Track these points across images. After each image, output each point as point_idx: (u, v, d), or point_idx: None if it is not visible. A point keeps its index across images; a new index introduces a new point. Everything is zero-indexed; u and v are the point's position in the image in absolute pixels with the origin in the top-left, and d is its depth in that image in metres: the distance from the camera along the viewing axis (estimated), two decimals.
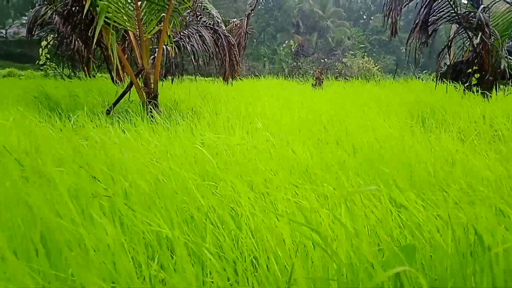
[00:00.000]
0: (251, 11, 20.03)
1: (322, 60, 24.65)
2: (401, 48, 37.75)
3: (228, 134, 2.84)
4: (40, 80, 11.29)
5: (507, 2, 7.45)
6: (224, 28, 11.75)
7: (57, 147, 2.41)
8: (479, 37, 7.15)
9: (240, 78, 18.50)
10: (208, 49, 7.63)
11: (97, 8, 4.87)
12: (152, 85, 5.70)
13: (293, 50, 29.08)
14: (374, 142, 2.55)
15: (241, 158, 2.27)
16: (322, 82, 12.47)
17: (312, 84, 13.24)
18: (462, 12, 7.34)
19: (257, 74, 24.72)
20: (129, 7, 5.40)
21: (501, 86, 8.49)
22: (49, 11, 10.87)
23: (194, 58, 8.20)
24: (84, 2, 5.36)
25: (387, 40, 39.46)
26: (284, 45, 32.08)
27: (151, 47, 7.21)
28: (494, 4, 7.59)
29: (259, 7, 21.53)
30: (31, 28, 12.11)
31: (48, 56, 14.63)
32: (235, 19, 19.56)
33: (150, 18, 5.62)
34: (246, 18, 18.99)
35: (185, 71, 15.57)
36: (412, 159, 2.24)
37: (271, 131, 2.79)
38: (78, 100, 5.78)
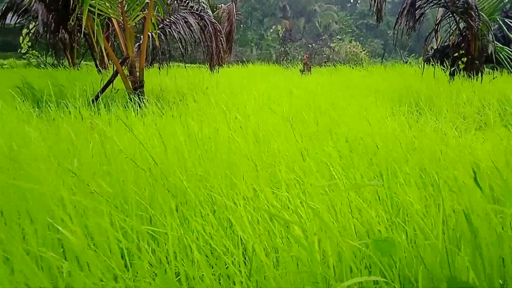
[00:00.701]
0: None
1: (310, 45, 24.53)
2: (389, 32, 37.73)
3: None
4: (22, 70, 11.03)
5: None
6: (211, 14, 11.57)
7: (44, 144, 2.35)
8: (466, 22, 7.16)
9: (228, 65, 18.33)
10: (194, 35, 7.51)
11: None
12: (137, 73, 5.61)
13: (280, 35, 28.88)
14: (367, 135, 2.51)
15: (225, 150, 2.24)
16: (310, 68, 12.43)
17: (300, 69, 13.18)
18: None
19: (244, 59, 24.54)
20: None
21: (488, 70, 8.56)
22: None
23: (181, 44, 8.08)
24: None
25: (374, 24, 39.43)
26: (271, 30, 31.84)
27: (136, 34, 7.07)
28: None
29: None
30: (4, 15, 11.62)
31: (29, 44, 14.29)
32: (223, 4, 19.26)
33: (134, 5, 5.49)
34: (233, 4, 18.73)
35: (172, 58, 15.37)
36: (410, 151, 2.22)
37: (260, 127, 2.75)
38: (63, 89, 5.65)
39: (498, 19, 7.97)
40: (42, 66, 13.66)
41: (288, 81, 8.25)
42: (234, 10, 18.41)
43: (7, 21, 12.04)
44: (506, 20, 8.17)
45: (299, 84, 7.43)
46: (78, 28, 10.39)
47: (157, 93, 6.22)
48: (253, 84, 7.00)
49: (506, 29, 8.03)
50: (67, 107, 3.40)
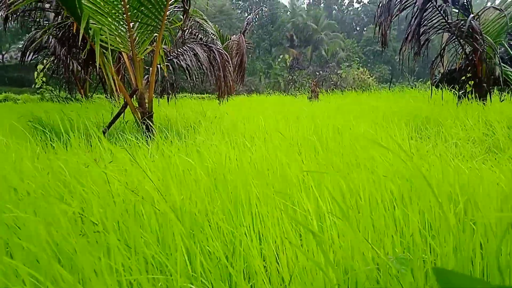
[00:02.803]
0: (247, 27, 20.18)
1: (317, 73, 24.80)
2: (396, 57, 38.05)
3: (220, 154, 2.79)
4: (35, 104, 11.30)
5: (497, 9, 7.52)
6: (220, 45, 11.83)
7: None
8: (471, 45, 7.20)
9: (237, 94, 18.55)
10: (202, 66, 7.66)
11: (89, 32, 4.89)
12: (146, 104, 5.70)
13: (288, 63, 29.30)
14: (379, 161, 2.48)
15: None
16: (318, 94, 12.52)
17: (308, 97, 13.28)
18: (453, 21, 7.39)
19: (253, 89, 24.85)
20: (122, 28, 5.43)
21: (496, 92, 8.52)
22: (44, 35, 10.99)
23: (190, 75, 8.23)
24: (76, 27, 5.40)
25: (381, 50, 39.86)
26: (279, 59, 32.35)
27: (145, 66, 7.24)
28: (483, 12, 7.66)
29: (252, 22, 21.74)
30: (25, 52, 12.27)
31: (44, 79, 14.72)
32: (234, 35, 19.68)
33: (143, 38, 5.65)
34: (242, 35, 19.12)
35: (181, 89, 15.61)
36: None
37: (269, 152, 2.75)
38: (73, 122, 5.76)
39: (503, 42, 8.00)
40: (56, 100, 14.00)
41: (297, 109, 8.30)
42: (244, 41, 18.78)
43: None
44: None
45: (307, 111, 7.46)
46: (91, 62, 10.72)
47: (165, 124, 6.29)
48: (261, 113, 7.05)
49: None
50: (68, 141, 3.44)
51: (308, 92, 15.77)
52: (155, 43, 5.97)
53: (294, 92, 21.61)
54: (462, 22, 7.17)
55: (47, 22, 11.59)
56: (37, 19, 11.55)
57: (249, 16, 21.14)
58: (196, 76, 8.59)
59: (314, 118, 5.07)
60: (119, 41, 5.50)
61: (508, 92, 7.96)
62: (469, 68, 7.66)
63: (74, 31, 6.63)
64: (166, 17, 5.49)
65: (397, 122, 4.40)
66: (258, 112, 7.01)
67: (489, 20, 7.82)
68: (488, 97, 7.18)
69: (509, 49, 7.88)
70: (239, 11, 48.77)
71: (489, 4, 8.09)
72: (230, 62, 9.85)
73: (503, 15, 7.50)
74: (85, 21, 4.50)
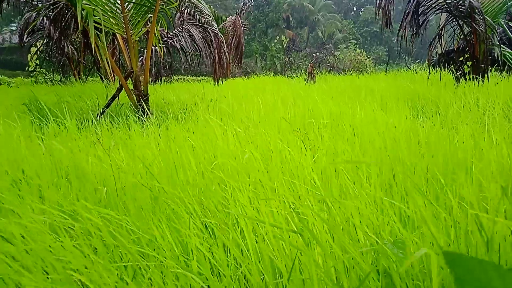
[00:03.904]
0: (243, 8, 19.90)
1: (314, 55, 24.60)
2: (393, 38, 37.73)
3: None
4: (29, 87, 11.18)
5: None
6: (216, 26, 11.69)
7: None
8: (469, 26, 7.14)
9: (233, 76, 18.42)
10: (197, 47, 7.56)
11: (82, 12, 4.78)
12: (142, 87, 5.64)
13: (284, 45, 29.03)
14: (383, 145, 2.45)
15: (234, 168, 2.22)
16: (314, 76, 12.43)
17: (304, 79, 13.19)
18: (451, 1, 7.30)
19: (249, 71, 24.66)
20: (116, 9, 5.32)
21: (494, 72, 8.49)
22: (39, 18, 10.80)
23: (185, 57, 8.13)
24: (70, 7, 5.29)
25: (378, 31, 39.52)
26: (275, 40, 32.02)
27: (140, 48, 7.13)
28: None
29: (249, 3, 21.39)
30: (22, 35, 12.07)
31: (37, 62, 14.53)
32: (230, 16, 19.43)
33: (137, 19, 5.55)
34: (238, 16, 18.88)
35: (176, 71, 15.46)
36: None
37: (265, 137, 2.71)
38: (69, 105, 5.70)
39: (502, 22, 7.93)
40: (50, 83, 13.85)
41: (293, 91, 8.24)
42: (240, 22, 18.56)
43: (15, 40, 12.39)
44: (510, 24, 8.13)
45: (304, 94, 7.41)
46: (84, 44, 10.57)
47: (161, 106, 6.24)
48: (258, 95, 6.99)
49: (510, 33, 7.98)
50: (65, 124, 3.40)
51: (305, 73, 15.66)
52: (149, 24, 5.87)
53: (291, 74, 21.46)
54: (461, 1, 7.08)
55: (40, 2, 11.36)
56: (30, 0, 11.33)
57: None
58: (191, 59, 8.50)
59: (311, 105, 5.02)
60: (113, 22, 5.40)
61: (507, 72, 7.92)
62: (467, 48, 7.60)
63: (66, 12, 6.51)
64: None
65: (395, 106, 4.39)
66: (254, 95, 6.95)
67: (487, 0, 7.74)
68: (486, 78, 7.15)
69: (507, 29, 7.82)
70: None
71: None
72: (225, 43, 9.73)
73: None
74: (80, 2, 4.40)
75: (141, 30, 5.79)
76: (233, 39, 18.32)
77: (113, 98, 5.82)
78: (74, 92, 7.59)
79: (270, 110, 4.60)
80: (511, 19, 9.76)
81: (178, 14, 10.14)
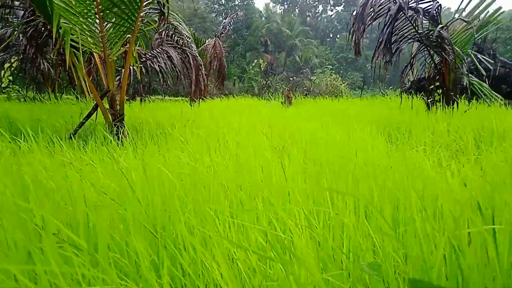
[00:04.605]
0: (223, 31, 20.15)
1: (291, 78, 25.02)
2: (367, 65, 38.85)
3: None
4: (2, 104, 10.90)
5: (464, 21, 7.79)
6: (195, 48, 11.78)
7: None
8: (440, 55, 7.44)
9: (211, 97, 18.47)
10: (175, 68, 7.59)
11: (60, 31, 4.75)
12: (118, 106, 5.59)
13: (262, 68, 29.44)
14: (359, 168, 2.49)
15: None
16: (291, 99, 12.63)
17: (281, 102, 13.38)
18: (423, 31, 7.62)
19: (227, 92, 24.81)
20: (94, 29, 5.31)
21: (463, 101, 8.83)
22: (14, 35, 10.62)
23: (163, 78, 8.13)
24: (48, 26, 5.24)
25: (353, 57, 40.63)
26: (253, 64, 32.45)
27: (117, 67, 7.10)
28: (451, 23, 7.92)
29: (228, 26, 21.70)
30: None
31: (11, 78, 14.22)
32: (210, 39, 19.64)
33: (115, 40, 5.54)
34: (218, 39, 19.09)
35: (153, 91, 15.38)
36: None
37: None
38: (40, 123, 5.57)
39: (470, 52, 8.31)
40: (23, 100, 13.52)
41: (270, 113, 8.33)
42: (221, 45, 18.77)
43: None
44: (478, 55, 8.52)
45: (281, 115, 7.50)
46: (60, 62, 10.44)
47: (137, 125, 6.19)
48: (235, 116, 7.04)
49: (478, 63, 8.35)
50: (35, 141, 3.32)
51: (281, 96, 15.88)
52: (128, 44, 5.86)
53: (268, 96, 21.71)
54: (432, 32, 7.39)
55: (16, 19, 11.20)
56: (5, 16, 11.14)
57: (225, 20, 21.14)
58: (170, 79, 8.50)
59: (290, 127, 5.09)
60: (91, 41, 5.38)
61: (476, 100, 8.25)
62: (438, 77, 7.91)
63: (42, 30, 6.45)
64: (140, 19, 5.41)
65: (370, 130, 4.49)
66: (232, 117, 6.99)
67: (456, 31, 8.11)
68: (455, 105, 7.42)
69: (474, 59, 8.19)
70: (214, 15, 48.70)
71: (456, 15, 8.40)
72: (203, 66, 9.80)
73: (470, 26, 7.79)
74: (57, 20, 4.37)
75: (119, 49, 5.77)
76: (216, 62, 18.50)
77: (87, 117, 5.73)
78: (48, 110, 7.44)
79: (250, 130, 4.63)
80: (478, 50, 10.24)
81: (156, 35, 10.19)
